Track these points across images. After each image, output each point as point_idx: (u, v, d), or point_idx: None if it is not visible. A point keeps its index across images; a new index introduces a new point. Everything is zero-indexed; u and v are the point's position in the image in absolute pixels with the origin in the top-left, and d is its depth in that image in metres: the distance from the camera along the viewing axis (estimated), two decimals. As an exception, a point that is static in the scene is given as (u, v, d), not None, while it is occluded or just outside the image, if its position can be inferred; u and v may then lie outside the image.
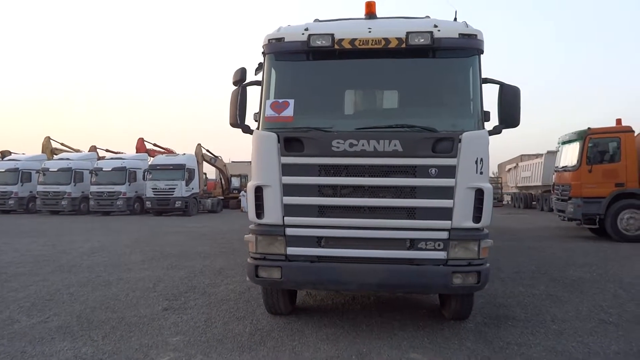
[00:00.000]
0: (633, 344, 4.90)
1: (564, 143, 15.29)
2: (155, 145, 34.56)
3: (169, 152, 33.68)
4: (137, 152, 32.49)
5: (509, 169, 40.01)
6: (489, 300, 6.72)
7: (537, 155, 33.60)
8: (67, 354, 4.65)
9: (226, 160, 37.49)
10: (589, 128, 13.86)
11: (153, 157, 31.41)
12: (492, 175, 49.94)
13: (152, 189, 26.48)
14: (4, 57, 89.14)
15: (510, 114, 4.94)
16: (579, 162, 13.76)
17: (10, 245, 12.95)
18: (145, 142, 33.83)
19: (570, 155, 14.61)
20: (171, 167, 27.03)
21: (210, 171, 35.66)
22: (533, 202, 33.51)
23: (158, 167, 27.20)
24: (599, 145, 13.74)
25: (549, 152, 28.65)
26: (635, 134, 13.73)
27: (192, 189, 27.48)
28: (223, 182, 36.14)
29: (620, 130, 13.66)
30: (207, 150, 31.62)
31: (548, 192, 26.93)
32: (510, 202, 39.70)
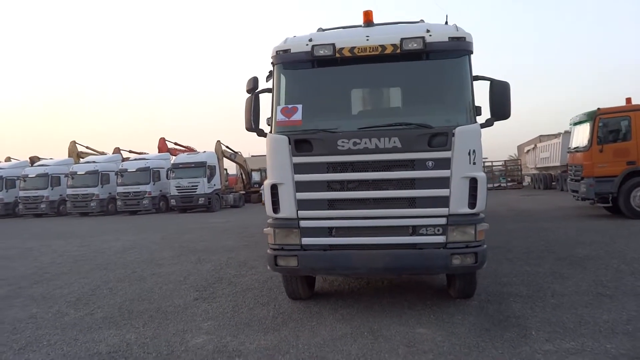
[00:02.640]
0: (623, 313, 5.33)
1: (575, 124, 15.49)
2: (176, 144, 35.43)
3: (190, 150, 34.49)
4: (159, 152, 33.42)
5: (528, 150, 39.91)
6: (495, 279, 7.18)
7: (556, 135, 33.49)
8: (114, 339, 5.30)
9: (246, 155, 38.23)
10: (598, 108, 14.05)
11: (175, 156, 32.31)
12: (512, 157, 49.85)
13: (176, 187, 27.39)
14: (27, 64, 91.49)
15: (500, 107, 5.38)
16: (590, 142, 13.98)
17: (48, 247, 13.82)
18: (166, 142, 34.75)
19: (581, 136, 14.83)
20: (193, 165, 27.85)
21: (230, 167, 36.50)
22: (553, 183, 33.47)
23: (180, 166, 28.07)
24: (609, 125, 13.92)
25: (566, 132, 28.56)
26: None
27: (214, 185, 28.29)
28: (244, 177, 36.88)
29: (630, 109, 13.82)
30: (227, 147, 32.35)
31: (567, 172, 26.95)
32: (530, 184, 39.64)
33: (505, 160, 44.65)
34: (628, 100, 14.23)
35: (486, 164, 41.65)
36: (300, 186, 5.42)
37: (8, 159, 35.90)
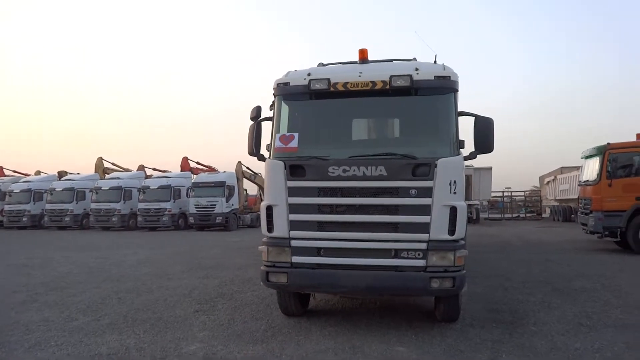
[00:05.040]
0: (596, 342, 5.54)
1: (585, 157, 15.62)
2: (198, 163, 36.29)
3: (211, 170, 35.29)
4: (181, 171, 34.30)
5: (548, 182, 39.58)
6: (485, 305, 7.43)
7: (577, 168, 33.24)
8: (115, 343, 5.74)
9: (266, 176, 38.67)
10: (608, 143, 14.20)
11: (196, 175, 33.15)
12: (535, 188, 49.40)
13: (195, 205, 28.05)
14: (63, 82, 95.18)
15: (483, 141, 5.76)
16: (599, 176, 14.11)
17: (68, 259, 14.47)
18: (189, 161, 35.67)
19: (591, 170, 14.96)
20: (212, 184, 28.54)
21: (252, 188, 37.17)
22: (572, 215, 33.09)
23: (200, 185, 28.79)
24: (619, 160, 14.04)
25: (585, 165, 28.44)
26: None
27: (232, 205, 28.88)
28: (263, 197, 37.41)
29: (640, 145, 13.95)
30: (247, 168, 33.04)
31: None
32: (550, 215, 39.24)
33: (525, 191, 44.35)
34: (638, 135, 14.35)
35: (506, 194, 41.59)
36: (293, 208, 5.85)
37: (38, 173, 37.31)
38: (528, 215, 40.16)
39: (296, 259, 5.85)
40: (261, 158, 6.26)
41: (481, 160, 32.87)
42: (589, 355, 5.11)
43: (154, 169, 36.00)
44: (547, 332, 5.97)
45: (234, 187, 29.47)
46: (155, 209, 28.69)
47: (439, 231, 5.53)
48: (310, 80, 5.91)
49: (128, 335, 6.08)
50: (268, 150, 6.26)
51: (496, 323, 6.42)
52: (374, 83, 5.76)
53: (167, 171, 35.17)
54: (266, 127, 6.37)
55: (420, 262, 5.56)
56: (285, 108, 6.23)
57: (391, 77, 5.69)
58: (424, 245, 5.55)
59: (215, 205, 27.81)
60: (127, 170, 36.01)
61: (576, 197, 30.13)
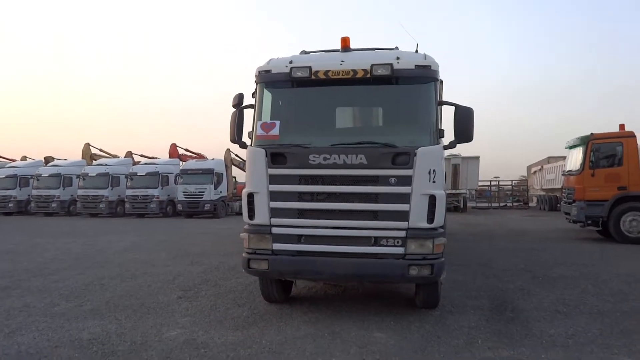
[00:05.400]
0: (570, 329, 5.67)
1: (569, 148, 15.79)
2: (187, 150, 36.16)
3: (200, 157, 35.17)
4: (170, 157, 34.15)
5: (535, 171, 39.93)
6: (465, 292, 7.54)
7: (563, 158, 33.54)
8: (96, 329, 5.77)
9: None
10: (592, 133, 14.35)
11: (185, 162, 33.02)
12: (523, 177, 49.82)
13: (183, 192, 27.96)
14: (46, 66, 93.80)
15: (463, 131, 5.81)
16: (582, 166, 14.27)
17: (53, 244, 14.41)
18: (177, 148, 35.52)
19: (575, 160, 15.13)
20: (200, 171, 28.43)
21: (240, 175, 37.05)
22: (558, 205, 33.46)
23: (188, 172, 28.68)
24: (602, 150, 14.20)
25: (571, 155, 28.72)
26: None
27: (221, 192, 28.82)
28: (251, 185, 37.26)
29: (623, 135, 14.11)
30: (236, 155, 32.93)
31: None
32: (536, 205, 39.63)
33: (512, 181, 44.68)
34: (621, 126, 14.51)
35: (494, 183, 41.88)
36: (274, 196, 5.88)
37: (24, 158, 36.94)
38: (515, 204, 40.51)
39: (277, 246, 5.89)
40: (243, 145, 6.26)
41: (469, 150, 33.15)
42: (562, 341, 5.23)
43: (142, 156, 35.85)
44: (524, 319, 6.09)
45: (222, 174, 29.39)
46: (143, 195, 28.58)
47: (418, 219, 5.59)
48: (291, 68, 5.91)
49: (110, 320, 6.11)
50: (250, 138, 6.26)
51: (474, 310, 6.53)
52: (355, 71, 5.77)
53: (156, 158, 35.02)
54: (249, 115, 6.37)
55: (399, 250, 5.63)
56: (267, 95, 6.23)
57: (372, 65, 5.71)
58: (403, 233, 5.62)
59: (203, 192, 27.74)
60: (114, 156, 35.79)
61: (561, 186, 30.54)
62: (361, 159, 5.61)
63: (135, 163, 33.37)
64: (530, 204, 41.01)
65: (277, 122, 6.01)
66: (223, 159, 30.85)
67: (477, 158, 32.02)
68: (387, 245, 5.66)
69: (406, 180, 5.58)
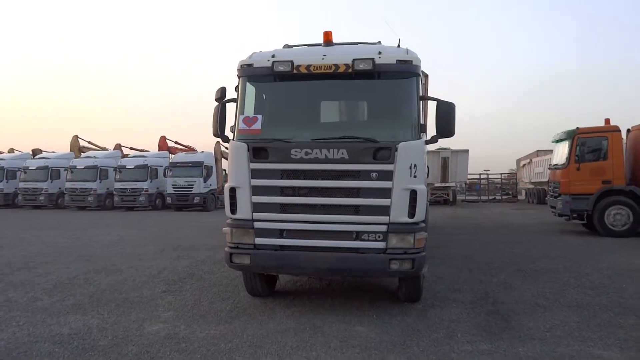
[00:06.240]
0: (548, 322, 5.74)
1: (556, 142, 15.90)
2: (176, 143, 35.99)
3: (189, 149, 35.02)
4: (159, 150, 33.96)
5: (524, 165, 40.20)
6: (448, 286, 7.60)
7: (552, 151, 33.76)
8: (78, 323, 5.76)
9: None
10: (577, 128, 14.46)
11: (174, 154, 32.85)
12: (512, 170, 50.12)
13: (172, 185, 27.88)
14: (37, 58, 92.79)
15: (444, 126, 5.83)
16: (568, 160, 14.40)
17: (38, 238, 14.32)
18: (167, 140, 35.31)
19: (560, 154, 15.25)
20: (190, 164, 28.35)
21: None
22: (546, 198, 33.71)
23: (178, 165, 28.59)
24: (587, 144, 14.31)
25: (559, 149, 28.92)
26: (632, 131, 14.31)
27: (210, 185, 28.76)
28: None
29: (608, 130, 14.22)
30: (226, 148, 32.73)
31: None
32: (525, 198, 39.93)
33: (502, 174, 44.97)
34: (607, 121, 14.63)
35: (483, 176, 42.13)
36: (256, 190, 5.88)
37: (11, 150, 36.59)
38: (504, 197, 40.81)
39: (259, 240, 5.90)
40: (225, 140, 6.25)
41: (459, 143, 33.31)
42: (540, 334, 5.30)
43: (131, 148, 35.63)
44: (504, 312, 6.16)
45: (212, 167, 29.32)
46: (132, 188, 28.49)
47: (399, 214, 5.62)
48: (273, 62, 5.89)
49: (92, 315, 6.10)
50: (232, 132, 6.25)
51: (457, 303, 6.59)
52: (337, 66, 5.76)
53: (145, 150, 34.81)
54: (232, 109, 6.35)
55: (381, 244, 5.66)
56: (249, 89, 6.21)
57: (354, 60, 5.70)
58: (384, 228, 5.65)
59: (193, 185, 27.68)
60: (103, 149, 35.55)
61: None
62: (342, 153, 5.62)
63: (124, 156, 33.16)
64: (519, 197, 41.32)
65: (259, 117, 6.00)
66: (213, 151, 30.75)
67: (467, 151, 32.21)
68: (368, 240, 5.69)
69: (387, 175, 5.60)
